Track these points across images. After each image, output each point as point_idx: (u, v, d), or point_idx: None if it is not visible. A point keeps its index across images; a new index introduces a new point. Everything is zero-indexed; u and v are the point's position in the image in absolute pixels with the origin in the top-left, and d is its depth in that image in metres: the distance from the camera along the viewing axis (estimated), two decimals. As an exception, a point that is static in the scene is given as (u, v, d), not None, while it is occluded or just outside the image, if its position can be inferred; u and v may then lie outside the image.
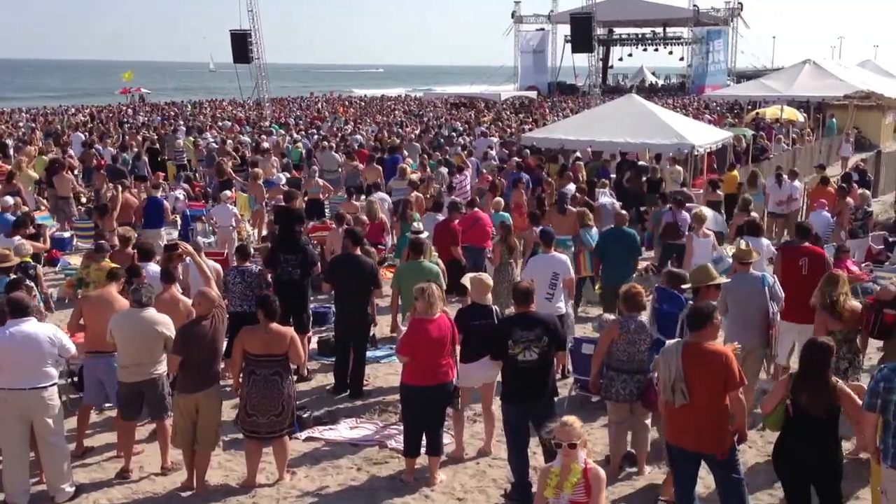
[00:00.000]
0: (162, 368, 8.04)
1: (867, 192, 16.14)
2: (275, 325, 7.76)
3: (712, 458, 6.59)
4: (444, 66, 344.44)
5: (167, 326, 7.98)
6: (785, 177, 18.19)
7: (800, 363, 6.30)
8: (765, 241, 11.66)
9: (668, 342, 7.04)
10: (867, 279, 13.61)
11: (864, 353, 8.40)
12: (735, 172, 20.25)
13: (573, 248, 13.61)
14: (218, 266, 10.66)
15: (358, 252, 10.40)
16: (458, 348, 7.90)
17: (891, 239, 15.47)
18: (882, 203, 22.17)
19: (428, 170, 20.91)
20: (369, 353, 10.58)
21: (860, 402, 6.08)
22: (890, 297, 7.90)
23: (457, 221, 13.36)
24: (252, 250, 10.91)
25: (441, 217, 14.48)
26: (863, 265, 14.50)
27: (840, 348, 7.92)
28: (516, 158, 21.41)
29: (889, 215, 19.04)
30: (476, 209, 14.31)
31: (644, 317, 7.82)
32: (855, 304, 8.30)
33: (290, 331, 7.94)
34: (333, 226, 14.09)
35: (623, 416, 7.93)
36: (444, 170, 20.75)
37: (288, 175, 20.97)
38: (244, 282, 10.29)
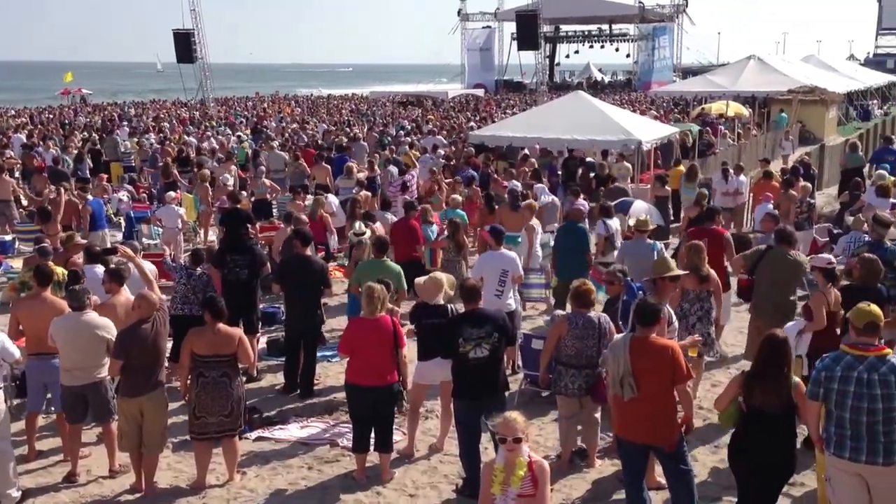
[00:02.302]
0: (105, 372, 7.92)
1: (808, 184, 16.44)
2: (222, 326, 7.69)
3: (661, 450, 6.67)
4: (395, 64, 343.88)
5: (108, 330, 7.87)
6: (731, 171, 18.48)
7: (756, 360, 6.31)
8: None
9: (616, 336, 7.09)
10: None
11: (719, 311, 9.37)
12: (681, 167, 20.51)
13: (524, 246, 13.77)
14: (154, 268, 10.54)
15: (307, 252, 10.33)
16: (403, 350, 7.87)
17: (835, 231, 15.74)
18: (826, 196, 22.63)
19: (377, 169, 20.84)
20: (319, 353, 10.51)
21: None
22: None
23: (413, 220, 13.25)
24: (203, 255, 10.81)
25: (390, 216, 14.44)
26: (808, 257, 14.75)
27: (693, 305, 8.92)
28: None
29: (833, 208, 19.40)
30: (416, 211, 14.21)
31: (593, 313, 7.86)
32: (712, 270, 9.36)
33: (237, 331, 7.89)
34: (282, 226, 13.97)
35: (572, 411, 7.98)
36: (394, 168, 20.71)
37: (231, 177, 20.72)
38: (189, 284, 10.19)
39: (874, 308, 5.91)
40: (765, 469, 6.17)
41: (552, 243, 13.52)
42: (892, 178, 16.67)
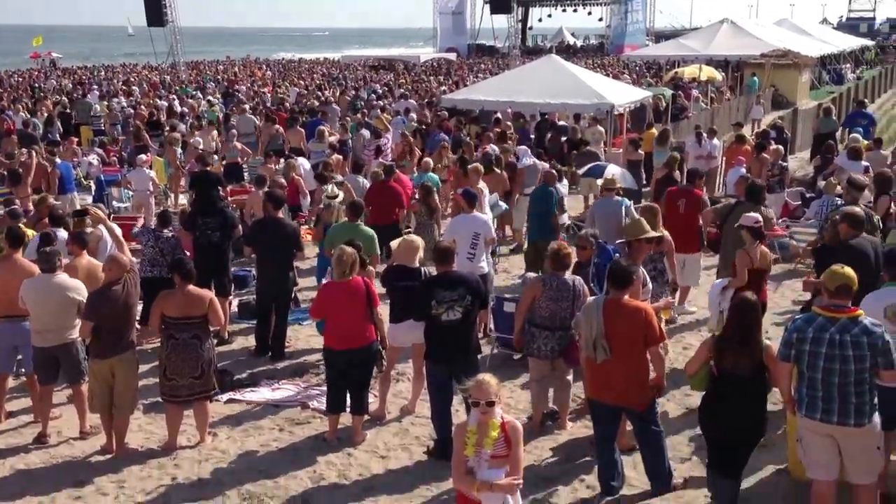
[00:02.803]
0: (76, 333, 7.85)
1: (780, 148, 16.48)
2: (192, 288, 7.62)
3: (633, 412, 6.69)
4: (372, 28, 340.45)
5: (79, 292, 7.78)
6: (704, 135, 18.49)
7: (728, 323, 6.29)
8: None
9: (589, 299, 7.08)
10: (784, 233, 13.98)
11: (673, 272, 9.53)
12: (653, 131, 20.48)
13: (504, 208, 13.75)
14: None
15: (280, 215, 10.22)
16: (377, 310, 7.83)
17: (808, 195, 15.84)
18: (799, 160, 22.78)
19: (348, 133, 20.66)
20: (291, 316, 10.44)
21: None
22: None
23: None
24: (170, 216, 10.70)
25: (362, 179, 14.30)
26: (780, 220, 14.84)
27: (646, 265, 8.66)
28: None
29: (806, 172, 19.52)
30: (397, 172, 14.15)
31: (568, 275, 7.85)
32: (666, 231, 9.48)
33: (208, 293, 7.82)
34: (253, 189, 13.81)
35: (544, 373, 7.98)
36: (366, 132, 20.53)
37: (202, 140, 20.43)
38: (157, 246, 10.07)
39: (847, 271, 5.91)
40: (735, 431, 6.20)
41: (502, 206, 13.61)
42: (865, 142, 16.78)
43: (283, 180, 14.04)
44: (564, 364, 7.88)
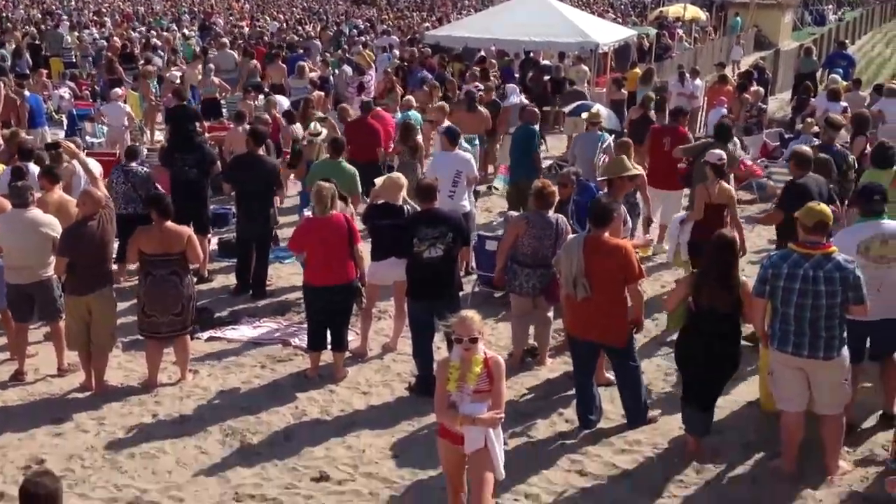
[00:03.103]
0: (51, 270, 7.78)
1: (761, 89, 16.45)
2: (170, 224, 7.58)
3: (611, 348, 6.78)
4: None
5: (53, 227, 7.70)
6: (687, 75, 18.41)
7: (706, 260, 6.36)
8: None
9: (570, 237, 7.12)
10: (761, 174, 14.05)
11: (647, 207, 10.07)
12: (637, 70, 20.34)
13: (480, 147, 13.71)
14: (100, 167, 10.30)
15: (261, 152, 10.14)
16: (357, 247, 7.84)
17: (786, 136, 15.87)
18: (780, 100, 22.74)
19: (329, 69, 20.39)
20: (271, 254, 10.42)
21: None
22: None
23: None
24: (145, 151, 10.55)
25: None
26: (758, 160, 14.90)
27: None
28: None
29: (786, 113, 19.53)
30: (379, 108, 14.03)
31: (551, 213, 7.87)
32: (639, 166, 9.62)
33: (186, 230, 7.78)
34: (232, 125, 13.67)
35: (525, 310, 8.04)
36: (348, 69, 20.29)
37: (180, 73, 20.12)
38: (128, 182, 9.96)
39: (824, 208, 5.98)
40: (711, 365, 6.30)
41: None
42: (844, 83, 16.77)
43: (266, 117, 13.87)
44: (545, 301, 7.95)
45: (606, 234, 6.63)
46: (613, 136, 12.55)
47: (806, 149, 8.74)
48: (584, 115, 12.96)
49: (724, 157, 9.00)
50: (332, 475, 6.33)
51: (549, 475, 6.26)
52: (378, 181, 8.36)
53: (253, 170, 9.90)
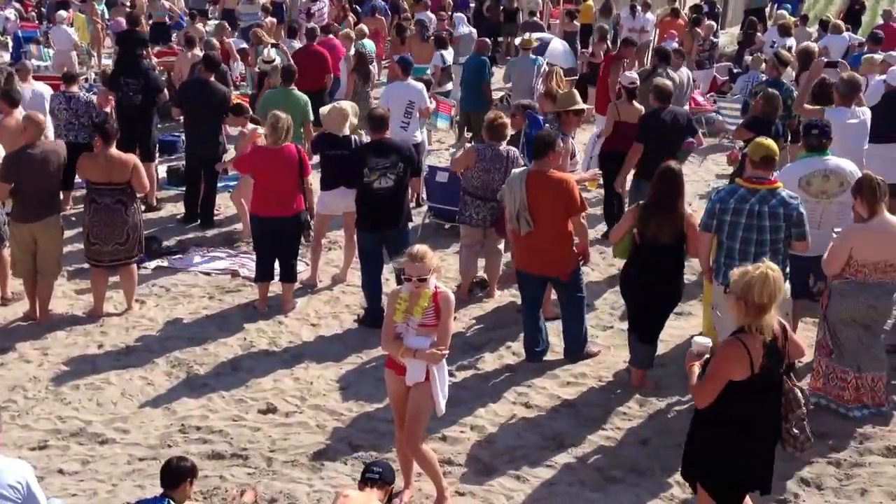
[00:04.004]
0: (-5, 197, 7.58)
1: (712, 23, 16.41)
2: (114, 152, 7.42)
3: (557, 280, 6.82)
4: None
5: None
6: (639, 8, 18.28)
7: (651, 192, 6.41)
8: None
9: (514, 171, 7.08)
10: (711, 109, 14.10)
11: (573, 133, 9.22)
12: (590, 2, 20.16)
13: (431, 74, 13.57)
14: (49, 90, 10.01)
15: (211, 78, 9.90)
16: (307, 180, 7.75)
17: (735, 70, 15.90)
18: (729, 35, 22.68)
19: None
20: (220, 182, 10.25)
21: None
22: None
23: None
24: (94, 75, 10.26)
25: (297, 43, 13.90)
26: (707, 95, 14.94)
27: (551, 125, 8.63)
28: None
29: (735, 47, 19.52)
30: (330, 36, 13.76)
31: (503, 146, 7.84)
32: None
33: (132, 157, 7.62)
34: (181, 50, 13.31)
35: (475, 240, 8.05)
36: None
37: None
38: (70, 109, 9.69)
39: (770, 143, 6.01)
40: (654, 296, 6.42)
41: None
42: (792, 18, 16.81)
43: (216, 42, 13.51)
44: (496, 233, 7.96)
45: (550, 169, 6.61)
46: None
47: (773, 91, 8.75)
48: (517, 39, 13.49)
49: (636, 79, 9.57)
50: (280, 407, 6.34)
51: (495, 407, 6.35)
52: (324, 110, 8.22)
53: (202, 95, 9.70)
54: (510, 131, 8.17)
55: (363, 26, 15.23)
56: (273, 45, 13.13)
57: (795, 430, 4.46)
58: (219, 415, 6.25)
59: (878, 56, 10.51)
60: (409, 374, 5.10)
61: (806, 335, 6.83)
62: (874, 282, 5.82)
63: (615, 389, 6.60)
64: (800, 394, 4.46)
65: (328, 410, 6.32)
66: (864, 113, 8.06)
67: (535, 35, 15.40)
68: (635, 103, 9.21)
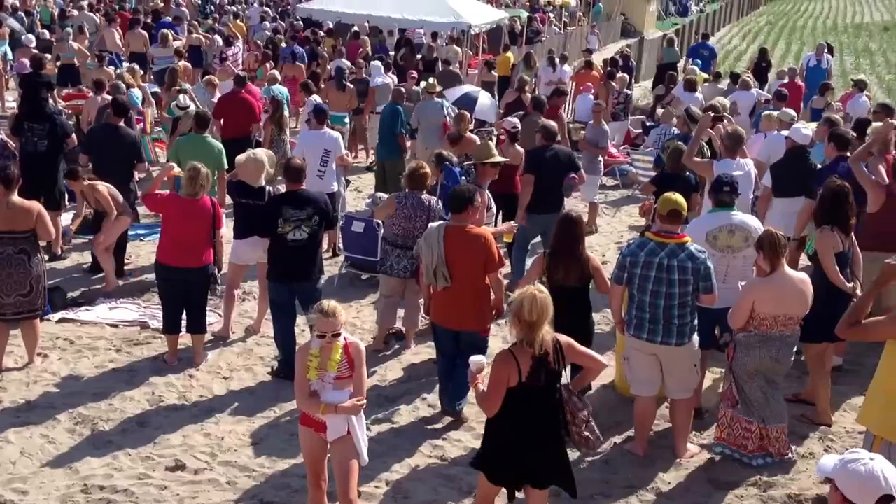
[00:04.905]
0: None
1: (626, 76, 16.91)
2: (17, 199, 7.20)
3: (472, 335, 6.76)
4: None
5: None
6: (556, 60, 18.73)
7: (553, 240, 6.59)
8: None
9: (431, 225, 7.11)
10: (625, 160, 14.47)
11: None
12: (509, 54, 20.62)
13: (350, 125, 13.64)
14: None
15: (121, 123, 9.73)
16: (220, 232, 7.64)
17: (648, 123, 16.38)
18: (643, 88, 23.43)
19: (201, 37, 19.70)
20: (131, 231, 10.03)
21: (607, 276, 6.51)
22: None
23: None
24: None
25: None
26: (621, 147, 15.34)
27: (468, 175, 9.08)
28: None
29: (649, 100, 20.14)
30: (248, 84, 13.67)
31: (425, 195, 7.88)
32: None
33: (35, 205, 7.40)
34: (91, 94, 13.07)
35: (394, 291, 8.03)
36: (219, 39, 19.70)
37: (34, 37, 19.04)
38: None
39: (677, 198, 6.18)
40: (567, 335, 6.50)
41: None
42: (704, 75, 17.42)
43: (123, 86, 13.28)
44: (416, 284, 7.94)
45: (468, 224, 6.66)
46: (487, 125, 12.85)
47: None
48: (422, 84, 13.83)
49: (517, 123, 10.42)
50: (188, 464, 6.16)
51: (410, 461, 6.29)
52: (240, 159, 8.14)
53: (111, 141, 9.51)
54: (430, 179, 8.22)
55: (275, 72, 15.21)
56: (182, 91, 12.97)
57: (586, 433, 5.07)
58: (124, 473, 6.03)
59: (774, 113, 10.98)
60: (331, 429, 5.09)
61: (714, 385, 6.98)
62: (776, 334, 5.99)
63: (530, 441, 6.60)
64: (577, 400, 5.04)
65: (239, 466, 6.17)
66: (748, 164, 8.42)
67: (463, 89, 15.71)
68: (517, 146, 9.83)
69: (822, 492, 5.70)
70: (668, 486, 6.02)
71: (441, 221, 6.98)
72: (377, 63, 16.56)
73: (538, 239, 9.54)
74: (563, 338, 4.93)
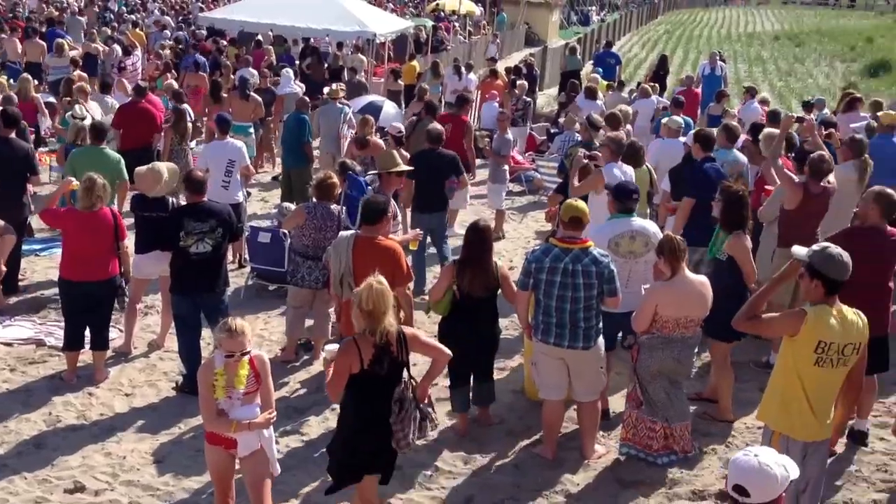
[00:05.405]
0: None
1: (525, 83, 17.10)
2: None
3: None
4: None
5: None
6: (462, 69, 18.88)
7: (463, 249, 6.61)
8: None
9: (341, 233, 7.07)
10: (530, 167, 14.65)
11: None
12: (414, 63, 20.70)
13: (254, 135, 13.46)
14: None
15: (12, 135, 9.36)
16: (123, 242, 7.44)
17: (552, 130, 16.62)
18: (547, 96, 23.80)
19: (99, 45, 19.18)
20: (25, 246, 9.68)
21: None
22: None
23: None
24: None
25: (111, 99, 13.43)
26: (526, 154, 15.53)
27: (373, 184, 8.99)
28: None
29: (553, 108, 20.44)
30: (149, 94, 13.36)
31: (335, 206, 7.82)
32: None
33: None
34: (-20, 105, 12.55)
35: (303, 301, 7.94)
36: (118, 48, 19.22)
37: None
38: None
39: (580, 204, 6.31)
40: (475, 348, 6.60)
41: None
42: (606, 82, 17.79)
43: (14, 96, 12.81)
44: (327, 293, 7.86)
45: (379, 235, 6.64)
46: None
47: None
48: (330, 88, 14.06)
49: (402, 128, 11.21)
50: (88, 485, 5.97)
51: (319, 472, 6.21)
52: (140, 170, 7.94)
53: (3, 154, 9.14)
54: (339, 189, 8.16)
55: (172, 82, 14.92)
56: (75, 102, 12.58)
57: (405, 430, 5.12)
58: (20, 497, 5.80)
59: (678, 119, 11.29)
60: (242, 446, 5.04)
61: (620, 387, 7.11)
62: (678, 336, 6.14)
63: (441, 448, 6.61)
64: (413, 398, 5.13)
65: (142, 486, 6.00)
66: (630, 168, 8.50)
67: (368, 98, 15.69)
68: (402, 150, 10.02)
69: (724, 487, 5.86)
70: (577, 488, 6.11)
71: (352, 231, 6.94)
72: (288, 72, 16.42)
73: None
74: (409, 329, 5.13)
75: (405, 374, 5.06)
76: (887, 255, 6.35)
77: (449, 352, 5.35)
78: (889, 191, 6.49)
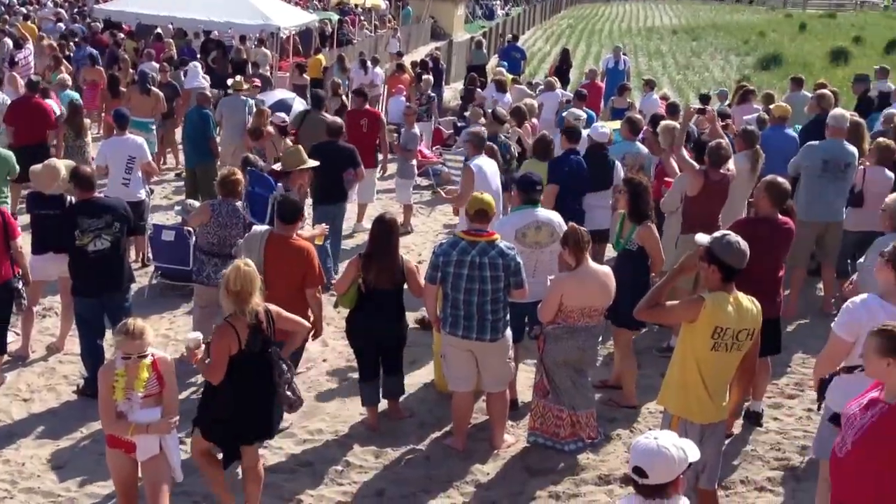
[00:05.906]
0: None
1: (430, 77, 17.16)
2: None
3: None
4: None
5: None
6: (368, 63, 18.82)
7: (369, 243, 6.62)
8: None
9: (255, 228, 7.00)
10: (438, 161, 14.72)
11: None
12: (320, 56, 20.52)
13: (155, 131, 13.16)
14: None
15: None
16: (15, 243, 7.17)
17: (459, 124, 16.72)
18: (453, 90, 23.90)
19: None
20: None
21: (421, 277, 6.60)
22: None
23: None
24: None
25: (2, 95, 12.93)
26: (433, 148, 15.59)
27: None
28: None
29: (459, 101, 20.55)
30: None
31: (240, 203, 7.71)
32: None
33: None
34: None
35: (210, 301, 7.73)
36: (9, 41, 18.48)
37: None
38: None
39: (486, 197, 6.37)
40: (382, 339, 6.66)
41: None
42: (511, 76, 17.98)
43: None
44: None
45: (293, 235, 6.59)
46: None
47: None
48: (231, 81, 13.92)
49: (286, 118, 11.77)
50: (-14, 495, 5.78)
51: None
52: (35, 168, 7.68)
53: None
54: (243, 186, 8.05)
55: (66, 76, 14.45)
56: None
57: (288, 393, 5.46)
58: (-88, 511, 5.59)
59: (577, 111, 11.54)
60: (142, 450, 4.94)
61: (527, 377, 7.23)
62: (582, 326, 6.27)
63: (352, 443, 6.61)
64: (283, 365, 5.43)
65: (43, 493, 5.84)
66: (492, 163, 8.79)
67: (277, 94, 15.50)
68: (287, 140, 10.85)
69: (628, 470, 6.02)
70: (487, 477, 6.19)
71: (266, 227, 6.87)
72: (196, 65, 16.08)
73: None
74: (273, 307, 5.36)
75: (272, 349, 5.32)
76: (778, 244, 6.61)
77: (309, 325, 5.82)
78: (780, 180, 6.74)
